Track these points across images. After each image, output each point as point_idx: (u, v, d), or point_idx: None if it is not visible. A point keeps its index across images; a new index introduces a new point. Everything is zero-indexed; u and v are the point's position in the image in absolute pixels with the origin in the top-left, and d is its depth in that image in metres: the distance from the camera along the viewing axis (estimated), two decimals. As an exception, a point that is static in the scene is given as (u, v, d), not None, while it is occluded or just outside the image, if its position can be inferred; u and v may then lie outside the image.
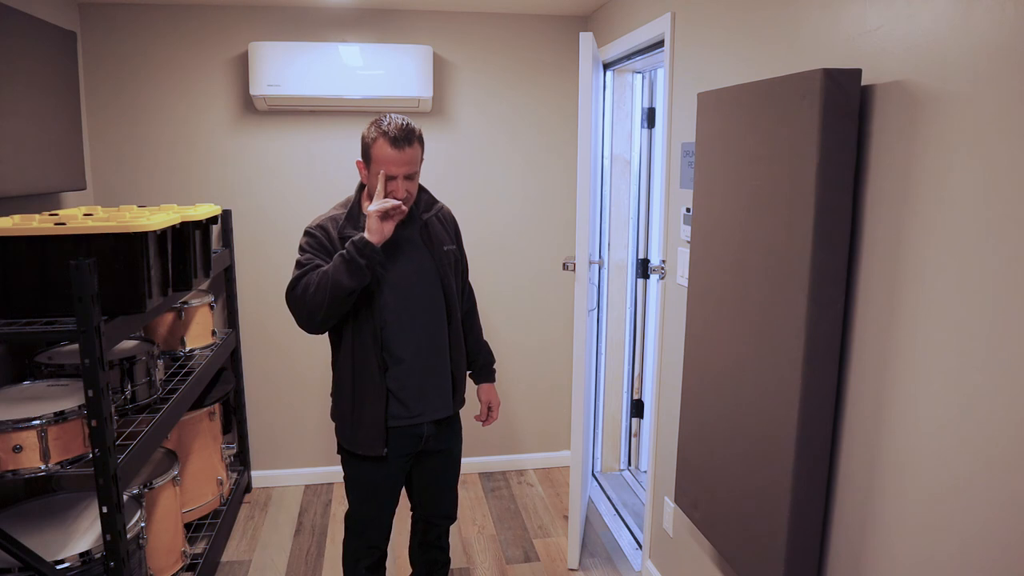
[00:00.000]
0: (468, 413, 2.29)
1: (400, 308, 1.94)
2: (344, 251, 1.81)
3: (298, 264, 1.91)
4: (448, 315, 2.04)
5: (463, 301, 2.17)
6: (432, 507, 2.18)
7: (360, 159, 1.93)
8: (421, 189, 2.05)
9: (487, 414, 2.26)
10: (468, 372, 2.23)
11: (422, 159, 1.93)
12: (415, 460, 2.10)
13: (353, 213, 1.94)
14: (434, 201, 2.07)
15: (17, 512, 2.12)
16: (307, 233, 1.94)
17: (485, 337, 2.30)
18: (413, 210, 2.01)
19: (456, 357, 2.07)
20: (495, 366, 2.30)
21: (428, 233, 2.01)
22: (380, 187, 1.82)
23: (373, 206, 1.80)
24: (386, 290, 1.92)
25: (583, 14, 3.35)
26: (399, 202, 1.82)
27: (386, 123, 1.84)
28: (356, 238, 1.81)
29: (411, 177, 1.89)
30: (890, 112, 1.34)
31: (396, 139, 1.82)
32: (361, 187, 1.99)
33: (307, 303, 1.84)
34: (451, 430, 2.13)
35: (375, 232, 1.80)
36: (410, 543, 2.30)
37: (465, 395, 2.14)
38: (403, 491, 2.16)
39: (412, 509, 2.22)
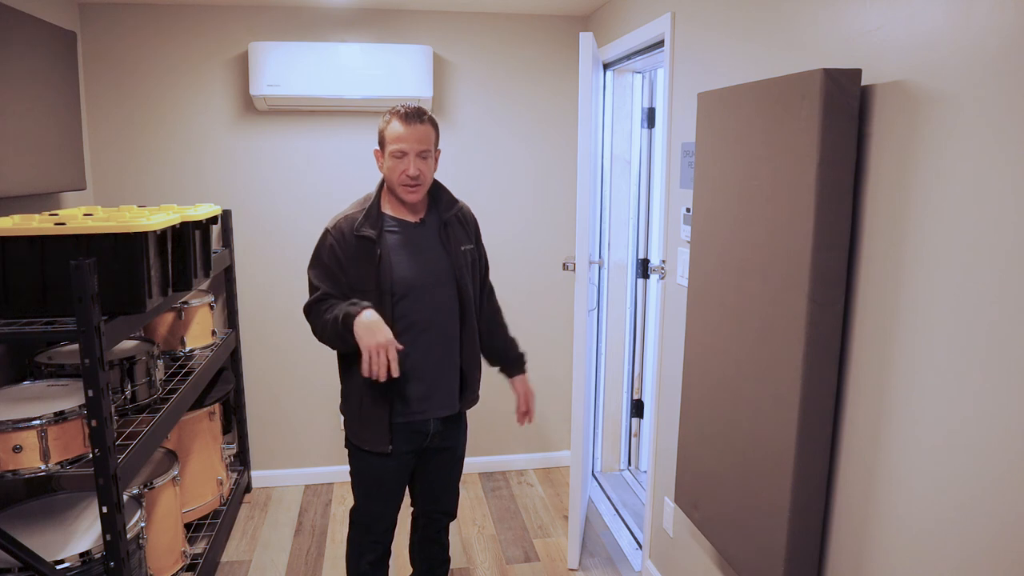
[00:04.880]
0: (473, 412, 2.28)
1: (413, 308, 1.94)
2: (340, 322, 1.82)
3: (310, 284, 1.98)
4: (462, 316, 2.03)
5: (484, 301, 2.16)
6: (433, 503, 2.19)
7: (377, 148, 1.96)
8: (441, 188, 2.05)
9: (525, 406, 2.21)
10: (499, 369, 2.23)
11: (437, 145, 1.96)
12: (419, 456, 2.10)
13: (372, 212, 1.94)
14: (455, 200, 2.07)
15: (17, 512, 2.12)
16: (319, 242, 1.96)
17: None
18: (432, 209, 2.03)
19: (468, 357, 2.06)
20: (526, 358, 2.25)
21: (447, 233, 2.01)
22: (376, 349, 1.77)
23: (366, 369, 1.78)
24: (399, 289, 1.92)
25: (583, 14, 3.35)
26: (384, 371, 1.77)
27: (398, 107, 1.92)
28: (349, 318, 1.80)
29: (424, 156, 1.91)
30: (890, 112, 1.34)
31: (407, 115, 1.89)
32: (381, 185, 2.01)
33: (321, 338, 1.95)
34: (457, 428, 2.12)
35: (363, 342, 1.78)
36: (410, 540, 2.30)
37: (479, 393, 2.13)
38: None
39: (412, 504, 2.23)
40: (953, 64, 1.20)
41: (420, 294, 1.95)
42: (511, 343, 2.25)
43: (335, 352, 2.03)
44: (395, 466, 2.04)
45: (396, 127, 1.88)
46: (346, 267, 1.93)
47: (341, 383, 2.05)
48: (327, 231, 1.96)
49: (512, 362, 2.24)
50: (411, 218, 1.99)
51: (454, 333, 2.02)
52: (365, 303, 1.85)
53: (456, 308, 2.02)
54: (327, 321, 1.88)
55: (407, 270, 1.94)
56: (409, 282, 1.93)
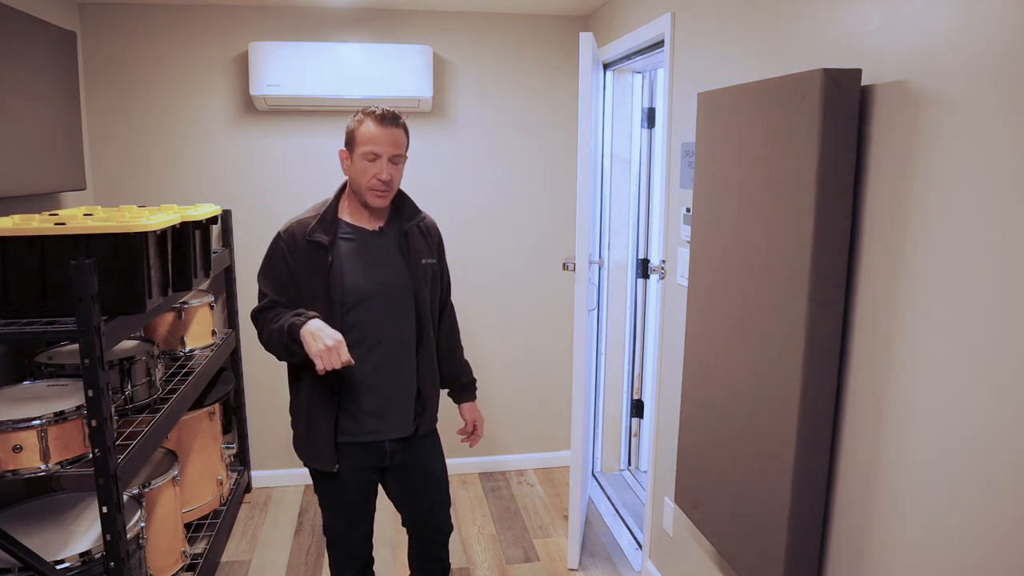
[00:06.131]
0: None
1: (364, 319, 1.87)
2: (286, 333, 1.76)
3: (259, 291, 1.91)
4: (419, 331, 1.95)
5: (443, 319, 2.09)
6: (420, 523, 2.09)
7: (343, 148, 1.89)
8: (405, 198, 1.99)
9: (472, 431, 2.16)
10: (448, 392, 2.15)
11: (407, 149, 1.89)
12: (389, 475, 2.01)
13: (327, 217, 1.87)
14: (417, 211, 1.99)
15: (17, 512, 2.12)
16: (270, 247, 1.90)
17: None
18: (393, 218, 1.96)
19: (425, 376, 1.97)
20: (477, 384, 2.20)
21: (407, 244, 1.94)
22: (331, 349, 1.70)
23: (316, 356, 1.70)
24: (350, 299, 1.85)
25: (583, 14, 3.35)
26: (345, 362, 1.71)
27: (372, 107, 1.85)
28: (295, 328, 1.74)
29: (396, 161, 1.85)
30: (890, 112, 1.34)
31: (383, 118, 1.82)
32: (341, 190, 1.95)
33: (267, 347, 1.88)
34: (422, 446, 2.01)
35: (311, 349, 1.72)
36: (408, 552, 2.20)
37: (437, 414, 2.04)
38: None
39: (403, 524, 2.13)
40: (953, 64, 1.20)
41: (373, 304, 1.87)
42: (464, 367, 2.16)
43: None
44: (353, 485, 1.95)
45: (370, 128, 1.80)
46: (296, 273, 1.86)
47: (289, 396, 1.98)
48: (279, 235, 1.88)
49: (462, 387, 2.15)
50: (369, 226, 1.92)
51: (409, 348, 1.94)
52: (311, 312, 1.78)
53: (412, 322, 1.93)
54: (273, 331, 1.81)
55: (360, 279, 1.86)
56: (361, 291, 1.86)
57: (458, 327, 2.18)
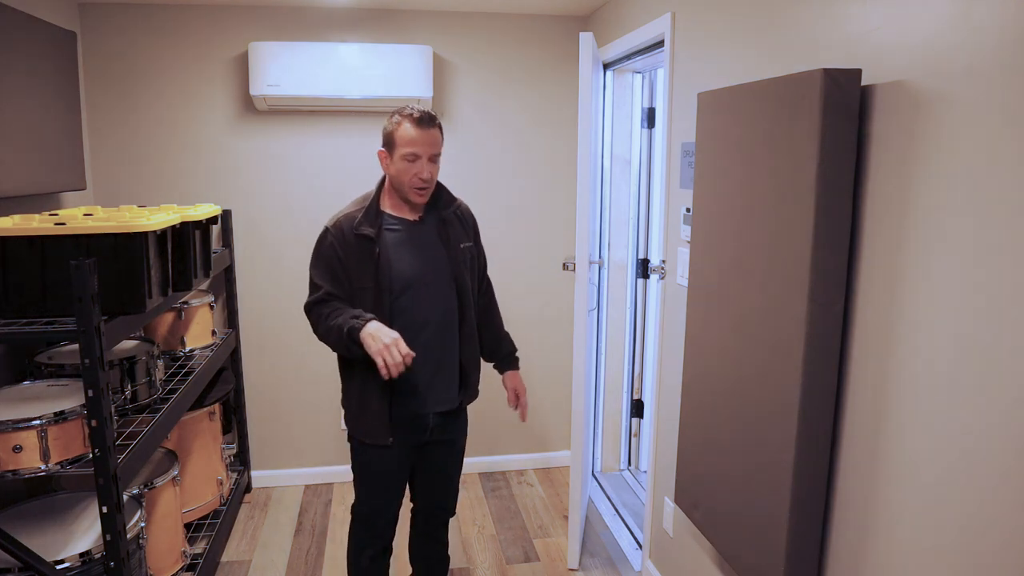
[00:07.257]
0: (475, 409, 2.28)
1: (411, 305, 1.97)
2: (347, 335, 1.85)
3: (311, 283, 1.99)
4: (461, 313, 2.06)
5: (481, 296, 2.20)
6: (432, 498, 2.21)
7: (382, 148, 1.97)
8: (440, 186, 2.07)
9: (516, 400, 2.26)
10: (492, 364, 2.26)
11: (442, 146, 1.98)
12: (420, 450, 2.12)
13: (371, 210, 1.96)
14: (453, 199, 2.09)
15: (17, 512, 2.12)
16: (319, 241, 1.98)
17: None
18: (431, 207, 2.05)
19: (467, 353, 2.09)
20: (518, 354, 2.30)
21: (445, 230, 2.04)
22: (387, 346, 1.79)
23: (377, 355, 1.79)
24: (398, 287, 1.95)
25: (583, 14, 3.35)
26: (402, 364, 1.79)
27: (408, 109, 1.93)
28: (355, 332, 1.83)
29: (434, 159, 1.93)
30: (890, 112, 1.34)
31: (420, 120, 1.90)
32: (381, 184, 2.03)
33: (324, 341, 1.97)
34: (456, 421, 2.15)
35: (371, 349, 1.81)
36: (410, 538, 2.31)
37: (479, 388, 2.16)
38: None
39: (412, 500, 2.25)
40: (953, 64, 1.20)
41: (419, 291, 1.98)
42: (504, 338, 2.29)
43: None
44: (396, 460, 2.06)
45: (409, 130, 1.89)
46: (346, 265, 1.94)
47: (341, 378, 2.07)
48: (327, 230, 1.97)
49: (503, 357, 2.28)
50: (410, 216, 2.02)
51: (453, 329, 2.05)
52: (369, 315, 1.87)
53: (455, 305, 2.04)
54: (331, 328, 1.91)
55: (406, 267, 1.96)
56: (407, 279, 1.96)
57: (496, 302, 2.29)
